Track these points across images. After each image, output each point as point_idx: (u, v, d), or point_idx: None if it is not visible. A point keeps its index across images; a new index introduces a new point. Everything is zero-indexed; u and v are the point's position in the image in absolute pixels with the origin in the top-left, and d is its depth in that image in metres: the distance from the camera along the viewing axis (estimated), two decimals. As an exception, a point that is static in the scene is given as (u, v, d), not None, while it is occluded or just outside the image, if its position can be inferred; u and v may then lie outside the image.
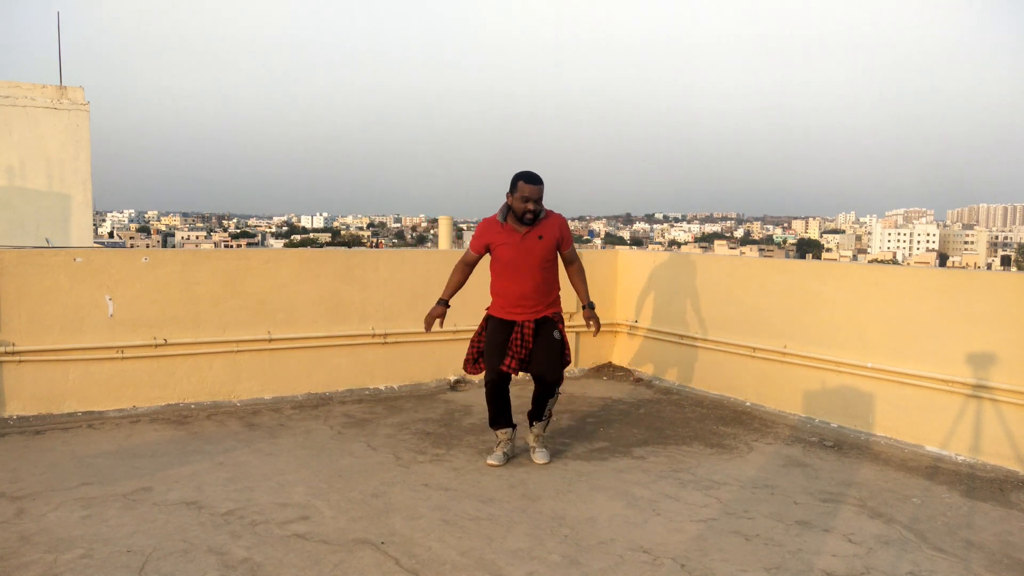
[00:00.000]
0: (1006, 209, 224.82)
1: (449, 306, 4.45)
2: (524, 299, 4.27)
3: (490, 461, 4.31)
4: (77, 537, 3.21)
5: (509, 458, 4.38)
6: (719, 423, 5.29)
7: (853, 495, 3.96)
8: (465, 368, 4.49)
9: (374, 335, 5.88)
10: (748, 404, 5.74)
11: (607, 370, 6.87)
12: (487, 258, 4.43)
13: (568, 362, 4.43)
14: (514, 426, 4.43)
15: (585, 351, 6.84)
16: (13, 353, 4.81)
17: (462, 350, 6.21)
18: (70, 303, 4.94)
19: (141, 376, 5.15)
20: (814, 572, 3.09)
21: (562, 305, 4.48)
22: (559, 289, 4.44)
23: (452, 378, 6.18)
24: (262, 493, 3.76)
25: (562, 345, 4.35)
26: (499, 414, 4.37)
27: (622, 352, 6.93)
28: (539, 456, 4.38)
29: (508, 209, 4.26)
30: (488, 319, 4.41)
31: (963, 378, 4.55)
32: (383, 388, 5.93)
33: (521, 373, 4.36)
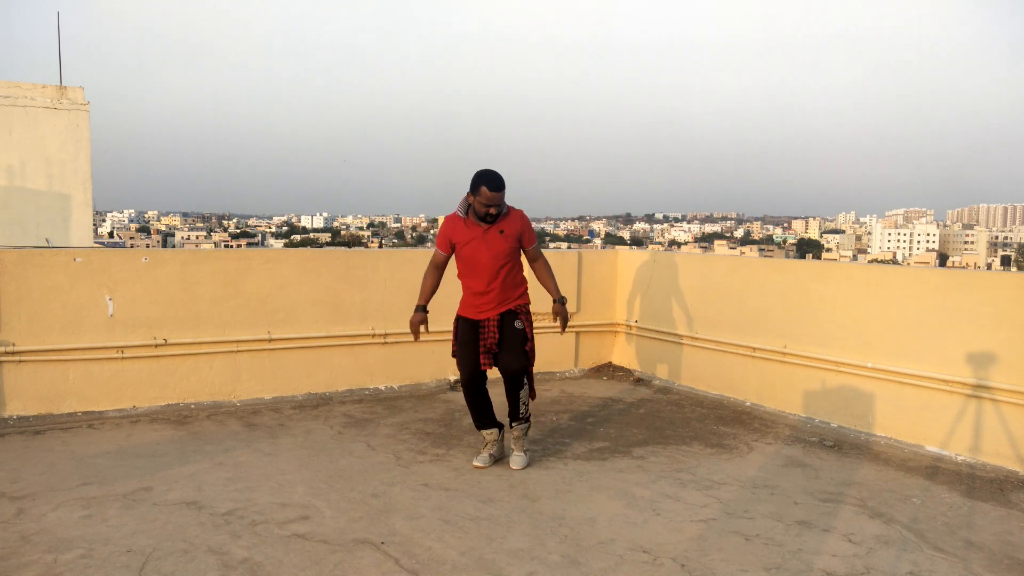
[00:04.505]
0: (1006, 209, 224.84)
1: (427, 311, 4.36)
2: (488, 295, 4.22)
3: (475, 463, 4.27)
4: (77, 537, 3.21)
5: (496, 460, 4.34)
6: (719, 423, 5.29)
7: (853, 495, 3.96)
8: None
9: (374, 335, 5.88)
10: (748, 404, 5.74)
11: (607, 370, 6.87)
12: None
13: (531, 356, 4.31)
14: (500, 426, 4.39)
15: (585, 351, 6.84)
16: (13, 353, 4.81)
17: (462, 350, 6.25)
18: (70, 303, 4.94)
19: (141, 376, 5.15)
20: (814, 572, 3.09)
21: (531, 301, 4.44)
22: (526, 285, 4.38)
23: (452, 378, 6.18)
24: (262, 493, 3.76)
25: (523, 335, 4.26)
26: (481, 414, 4.33)
27: (622, 352, 6.93)
28: (514, 461, 4.30)
29: (469, 206, 4.21)
30: (457, 320, 4.36)
31: (963, 378, 4.55)
32: (383, 388, 5.93)
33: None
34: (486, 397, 4.34)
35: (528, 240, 4.33)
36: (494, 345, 4.22)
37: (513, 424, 4.33)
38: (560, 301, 4.40)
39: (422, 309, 4.35)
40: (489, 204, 4.10)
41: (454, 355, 4.38)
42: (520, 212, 4.33)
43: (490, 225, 4.20)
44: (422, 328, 4.36)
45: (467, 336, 4.26)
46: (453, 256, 4.34)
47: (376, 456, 4.39)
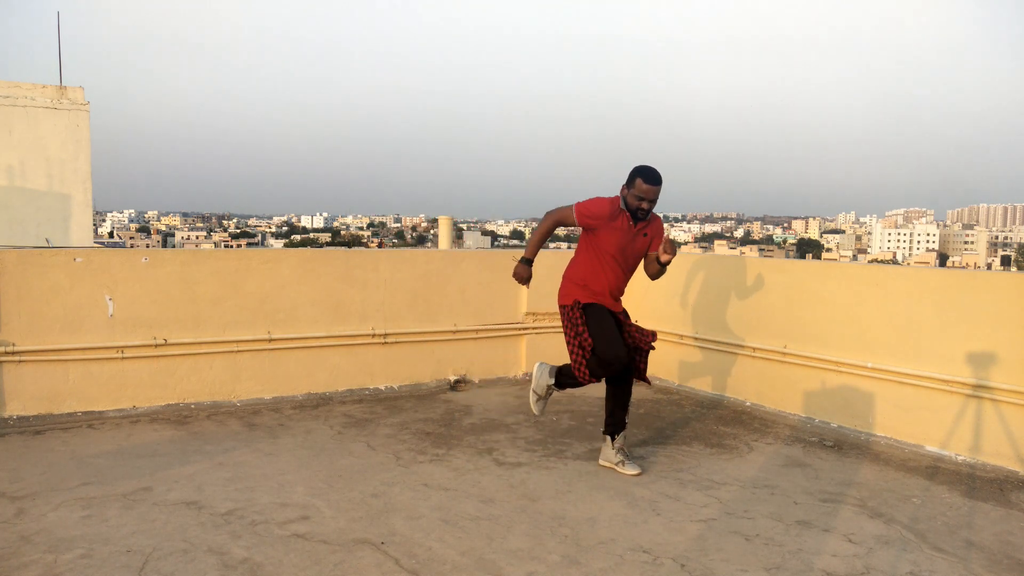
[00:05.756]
0: (1006, 209, 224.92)
1: (532, 264, 4.21)
2: (613, 291, 4.16)
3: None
4: (77, 537, 3.21)
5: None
6: (719, 423, 5.29)
7: (853, 495, 3.96)
8: (583, 375, 4.07)
9: (374, 335, 5.88)
10: (748, 404, 5.74)
11: (607, 370, 6.86)
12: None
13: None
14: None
15: (585, 351, 6.84)
16: (13, 353, 4.81)
17: (462, 350, 6.26)
18: (70, 303, 4.94)
19: (141, 376, 5.15)
20: (814, 572, 3.09)
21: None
22: None
23: (452, 378, 6.18)
24: (262, 493, 3.76)
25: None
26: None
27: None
28: (630, 468, 4.17)
29: (623, 201, 4.09)
30: (587, 307, 4.07)
31: (963, 378, 4.55)
32: (383, 388, 5.93)
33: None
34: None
35: (659, 239, 4.19)
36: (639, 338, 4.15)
37: (616, 436, 4.25)
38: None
39: (528, 262, 4.18)
40: (642, 198, 3.99)
41: (583, 344, 4.02)
42: (660, 220, 4.24)
43: (640, 225, 4.11)
44: (527, 281, 4.21)
45: (608, 319, 4.04)
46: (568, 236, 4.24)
47: (376, 456, 4.39)
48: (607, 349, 3.95)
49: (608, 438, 4.28)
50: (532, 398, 4.45)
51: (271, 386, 5.55)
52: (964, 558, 3.25)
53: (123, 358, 5.09)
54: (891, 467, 4.43)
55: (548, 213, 4.17)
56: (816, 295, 5.36)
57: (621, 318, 4.22)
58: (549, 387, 4.37)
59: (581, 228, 4.16)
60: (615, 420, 4.26)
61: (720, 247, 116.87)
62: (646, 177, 4.00)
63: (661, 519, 3.59)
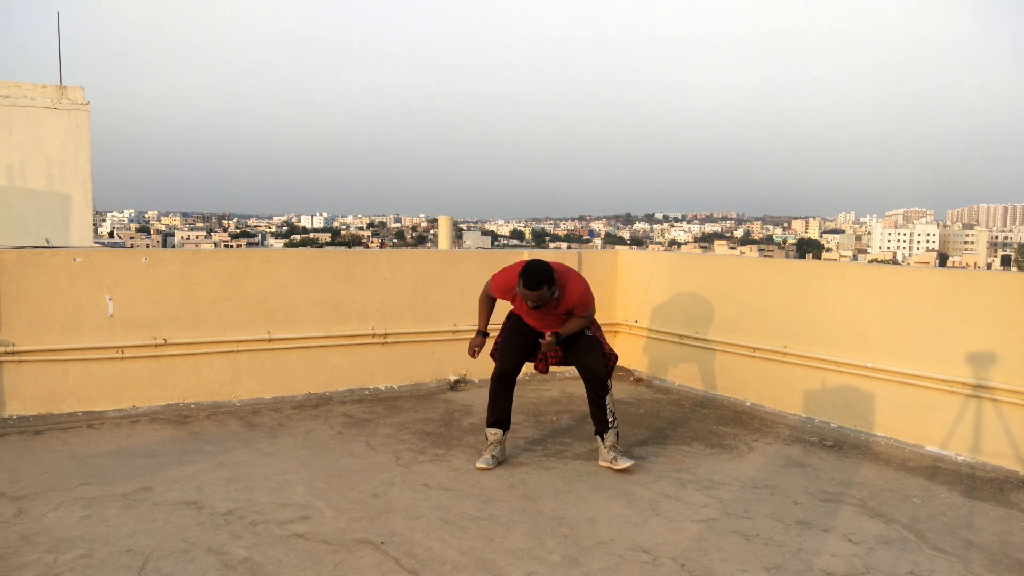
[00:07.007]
0: (1006, 209, 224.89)
1: (488, 335, 4.33)
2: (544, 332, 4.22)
3: (479, 464, 4.19)
4: (77, 537, 3.21)
5: (499, 462, 4.29)
6: (719, 423, 5.29)
7: (853, 495, 3.96)
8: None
9: (374, 335, 5.88)
10: (748, 404, 5.74)
11: (607, 370, 6.86)
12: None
13: (611, 360, 4.33)
14: (508, 428, 4.33)
15: (585, 351, 6.84)
16: (13, 353, 4.81)
17: (462, 350, 6.22)
18: (70, 303, 4.94)
19: (141, 376, 5.15)
20: (814, 572, 3.09)
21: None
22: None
23: (452, 378, 6.18)
24: (262, 493, 3.77)
25: (596, 340, 4.27)
26: (499, 411, 4.26)
27: (622, 352, 6.92)
28: (621, 462, 4.19)
29: None
30: (510, 315, 4.33)
31: (963, 378, 4.55)
32: (383, 388, 5.93)
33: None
34: (512, 395, 4.29)
35: (581, 311, 4.10)
36: (559, 350, 4.21)
37: (604, 435, 4.26)
38: (555, 336, 4.09)
39: (483, 335, 4.31)
40: (527, 299, 3.93)
41: (495, 349, 4.32)
42: (579, 286, 4.07)
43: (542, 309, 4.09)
44: (477, 351, 4.29)
45: (519, 328, 4.22)
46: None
47: (376, 456, 4.39)
48: (499, 356, 4.28)
49: (599, 438, 4.31)
50: (482, 459, 4.24)
51: (271, 386, 5.55)
52: (964, 558, 3.25)
53: (123, 358, 5.09)
54: (891, 467, 4.43)
55: (481, 296, 4.34)
56: (816, 295, 5.36)
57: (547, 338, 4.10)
58: (491, 436, 4.29)
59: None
60: (597, 420, 4.30)
61: (720, 247, 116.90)
62: (524, 282, 3.88)
63: (661, 519, 3.59)
